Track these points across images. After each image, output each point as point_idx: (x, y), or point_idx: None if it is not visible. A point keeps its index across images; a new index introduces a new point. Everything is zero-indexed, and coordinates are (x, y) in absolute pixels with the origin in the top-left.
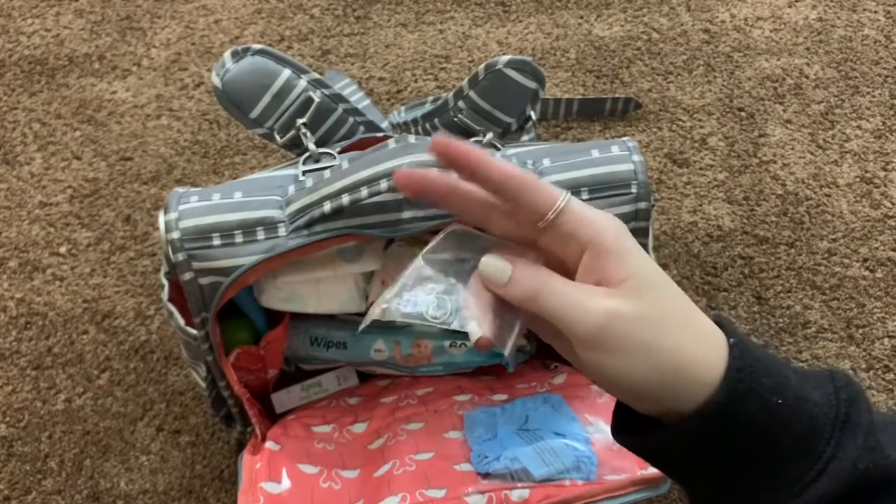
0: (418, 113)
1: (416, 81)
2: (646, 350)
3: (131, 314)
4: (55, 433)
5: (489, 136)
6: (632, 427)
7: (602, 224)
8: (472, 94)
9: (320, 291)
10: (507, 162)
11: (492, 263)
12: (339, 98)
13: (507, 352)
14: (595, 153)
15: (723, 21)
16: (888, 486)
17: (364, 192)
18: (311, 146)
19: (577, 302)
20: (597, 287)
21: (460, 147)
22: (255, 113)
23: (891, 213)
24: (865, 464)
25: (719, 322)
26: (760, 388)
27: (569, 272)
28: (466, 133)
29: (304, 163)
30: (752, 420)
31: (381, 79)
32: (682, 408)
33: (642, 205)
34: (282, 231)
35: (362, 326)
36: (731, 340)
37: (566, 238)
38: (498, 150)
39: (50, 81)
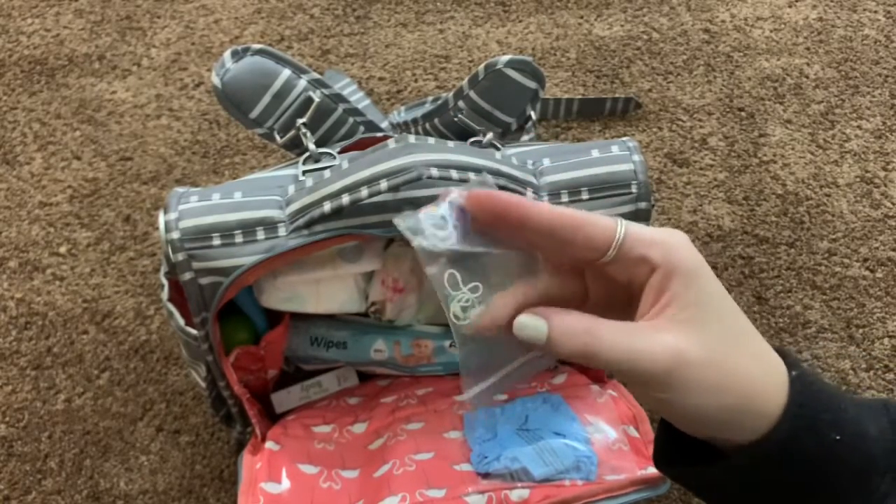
0: (418, 113)
1: (416, 81)
2: (714, 391)
3: (131, 314)
4: (55, 433)
5: (489, 136)
6: (678, 457)
7: (670, 242)
8: (472, 93)
9: (320, 291)
10: (551, 205)
11: (526, 324)
12: (338, 98)
13: (465, 394)
14: (595, 153)
15: (723, 21)
16: None
17: (364, 192)
18: (311, 146)
19: (636, 350)
20: (655, 323)
21: (502, 198)
22: (254, 113)
23: (891, 213)
24: None
25: (781, 351)
26: (820, 425)
27: (633, 296)
28: (466, 133)
29: (303, 163)
30: (809, 457)
31: (381, 79)
32: (739, 439)
33: (642, 205)
34: (282, 231)
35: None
36: (793, 373)
37: (635, 263)
38: (498, 149)
39: (50, 81)
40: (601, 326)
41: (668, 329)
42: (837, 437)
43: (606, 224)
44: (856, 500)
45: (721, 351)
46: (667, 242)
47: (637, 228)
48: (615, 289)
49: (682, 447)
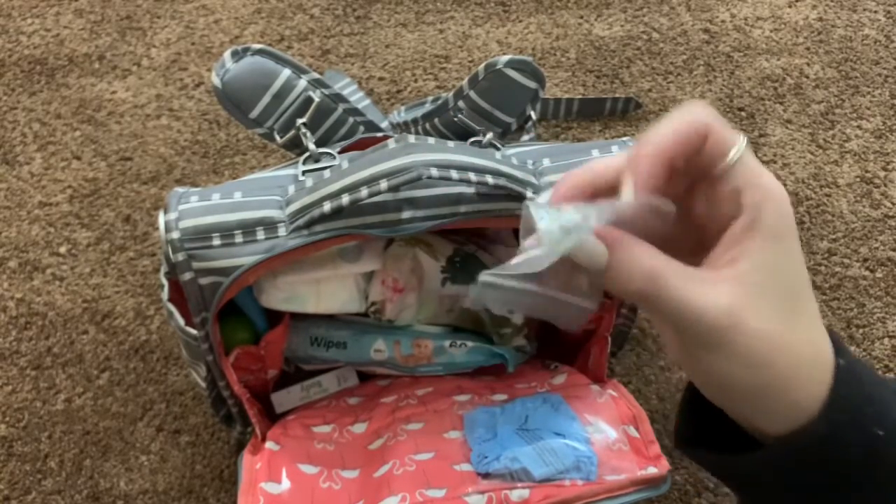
0: (418, 113)
1: (415, 81)
2: (758, 365)
3: (131, 314)
4: (55, 433)
5: (489, 135)
6: (702, 440)
7: (771, 192)
8: (472, 93)
9: (320, 291)
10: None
11: (584, 248)
12: (338, 98)
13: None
14: (595, 153)
15: (723, 21)
16: None
17: (364, 192)
18: (311, 146)
19: (692, 302)
20: (721, 274)
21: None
22: (254, 113)
23: (891, 213)
24: None
25: (831, 335)
26: (862, 418)
27: (705, 238)
28: (466, 133)
29: (303, 163)
30: (849, 451)
31: (380, 79)
32: (771, 428)
33: None
34: (282, 231)
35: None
36: (840, 362)
37: (725, 199)
38: (498, 149)
39: (50, 81)
40: (666, 271)
41: (733, 286)
42: (880, 433)
43: (731, 137)
44: None
45: (779, 325)
46: (766, 190)
47: (753, 163)
48: (690, 227)
49: (704, 428)
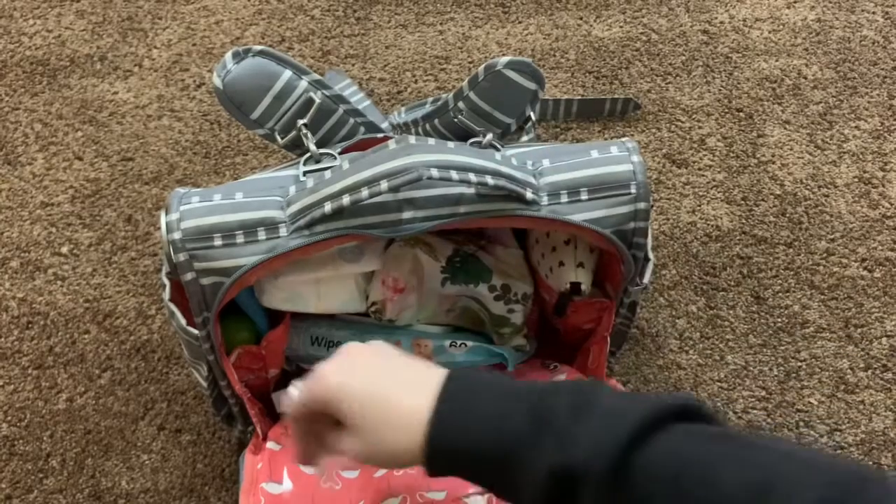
0: (418, 114)
1: (416, 82)
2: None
3: (132, 314)
4: (57, 432)
5: (489, 136)
6: None
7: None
8: (471, 94)
9: (321, 291)
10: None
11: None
12: (339, 99)
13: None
14: (594, 154)
15: (721, 22)
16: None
17: (364, 192)
18: (312, 147)
19: None
20: None
21: None
22: (256, 114)
23: (889, 213)
24: (557, 469)
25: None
26: (457, 436)
27: None
28: (466, 134)
29: (304, 163)
30: (456, 458)
31: (381, 79)
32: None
33: (641, 205)
34: (283, 231)
35: None
36: (432, 414)
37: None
38: (498, 150)
39: (51, 82)
40: None
41: None
42: (477, 439)
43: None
44: (510, 478)
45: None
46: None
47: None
48: None
49: None
